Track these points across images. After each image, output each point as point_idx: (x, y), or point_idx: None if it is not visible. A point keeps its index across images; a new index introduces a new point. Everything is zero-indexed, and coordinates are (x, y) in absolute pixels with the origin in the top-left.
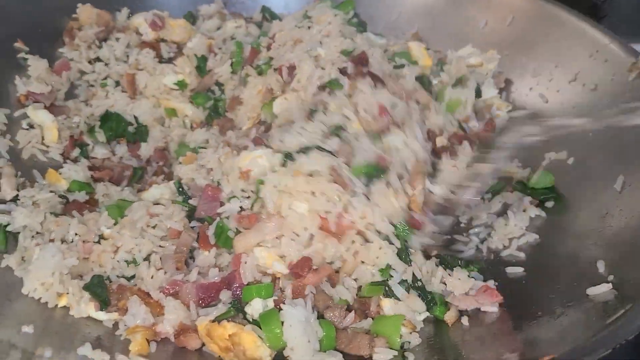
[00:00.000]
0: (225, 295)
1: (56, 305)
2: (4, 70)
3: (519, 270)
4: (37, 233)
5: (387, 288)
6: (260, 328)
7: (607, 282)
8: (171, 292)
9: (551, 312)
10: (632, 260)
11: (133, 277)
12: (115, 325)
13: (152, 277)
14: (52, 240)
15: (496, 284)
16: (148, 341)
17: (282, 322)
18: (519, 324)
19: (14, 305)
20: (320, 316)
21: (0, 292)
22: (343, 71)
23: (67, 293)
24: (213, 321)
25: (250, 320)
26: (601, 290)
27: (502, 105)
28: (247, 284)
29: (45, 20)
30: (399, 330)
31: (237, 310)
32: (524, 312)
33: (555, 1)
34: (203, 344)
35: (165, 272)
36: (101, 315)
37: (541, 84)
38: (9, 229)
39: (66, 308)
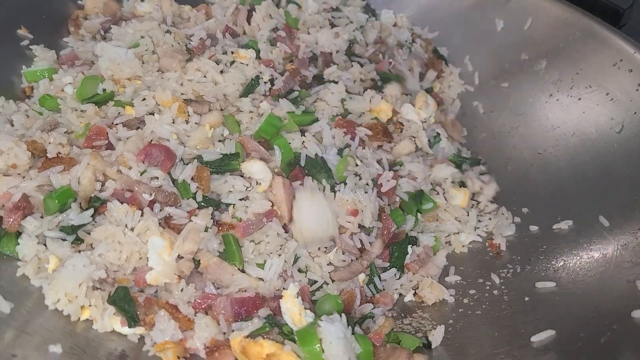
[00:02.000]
0: (263, 311)
1: (78, 319)
2: (8, 59)
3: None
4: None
5: None
6: (295, 342)
7: None
8: (203, 306)
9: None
10: None
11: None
12: (141, 339)
13: (181, 290)
14: (80, 252)
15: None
16: (178, 358)
17: (321, 339)
18: None
19: (37, 320)
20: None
21: (20, 304)
22: None
23: (90, 305)
24: (247, 337)
25: (286, 333)
26: None
27: None
28: None
29: (49, 5)
30: None
31: (272, 325)
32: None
33: (578, 7)
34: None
35: (195, 286)
36: (126, 330)
37: (562, 91)
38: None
39: (88, 321)
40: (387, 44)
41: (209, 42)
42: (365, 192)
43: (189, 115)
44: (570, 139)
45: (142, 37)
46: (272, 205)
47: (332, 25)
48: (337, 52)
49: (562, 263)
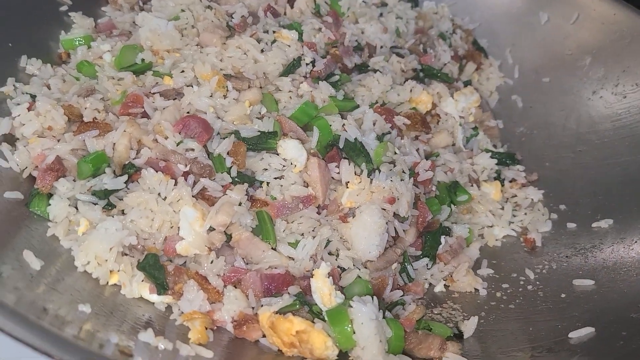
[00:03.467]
0: (293, 289)
1: (107, 283)
2: (46, 24)
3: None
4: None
5: None
6: (324, 322)
7: None
8: (232, 280)
9: None
10: None
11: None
12: (168, 308)
13: (211, 262)
14: (111, 217)
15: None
16: (205, 329)
17: (352, 320)
18: None
19: (66, 280)
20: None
21: (50, 263)
22: None
23: (119, 271)
24: (276, 312)
25: (316, 312)
26: None
27: None
28: None
29: None
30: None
31: (302, 303)
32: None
33: (626, 2)
34: (262, 335)
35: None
36: (153, 297)
37: (606, 88)
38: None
39: (116, 286)
40: (428, 34)
41: (250, 20)
42: (402, 180)
43: (227, 90)
44: (613, 138)
45: (183, 10)
46: (307, 187)
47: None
48: (382, 47)
49: (601, 261)
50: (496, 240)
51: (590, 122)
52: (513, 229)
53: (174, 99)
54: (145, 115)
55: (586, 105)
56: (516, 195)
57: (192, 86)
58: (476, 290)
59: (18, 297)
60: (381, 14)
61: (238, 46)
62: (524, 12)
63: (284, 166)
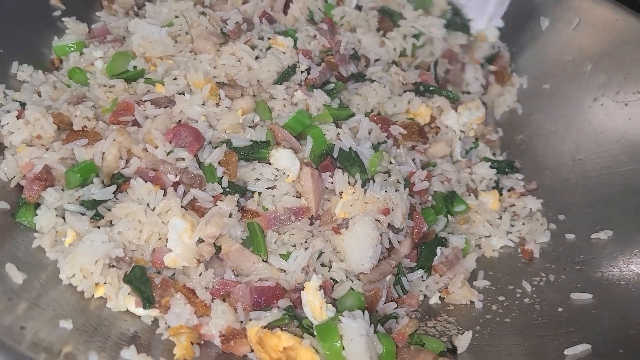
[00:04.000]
0: (283, 302)
1: (92, 296)
2: (39, 30)
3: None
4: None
5: None
6: (314, 336)
7: None
8: (221, 292)
9: None
10: None
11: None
12: (155, 322)
13: (200, 275)
14: (98, 228)
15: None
16: (192, 344)
17: (341, 336)
18: None
19: (50, 294)
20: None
21: (34, 276)
22: None
23: (105, 283)
24: (265, 327)
25: (305, 327)
26: None
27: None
28: None
29: None
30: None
31: (292, 318)
32: None
33: (628, 8)
34: (250, 350)
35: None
36: (140, 311)
37: (607, 96)
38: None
39: (102, 299)
40: (459, 60)
41: (245, 27)
42: (397, 190)
43: (220, 99)
44: (614, 146)
45: (177, 17)
46: (300, 197)
47: (380, 30)
48: (377, 60)
49: (599, 275)
50: (493, 250)
51: (590, 130)
52: (511, 239)
53: (165, 107)
54: (135, 123)
55: (587, 112)
56: (514, 205)
57: (184, 94)
58: (472, 302)
59: None
60: (384, 33)
61: (232, 53)
62: (525, 18)
63: (276, 176)
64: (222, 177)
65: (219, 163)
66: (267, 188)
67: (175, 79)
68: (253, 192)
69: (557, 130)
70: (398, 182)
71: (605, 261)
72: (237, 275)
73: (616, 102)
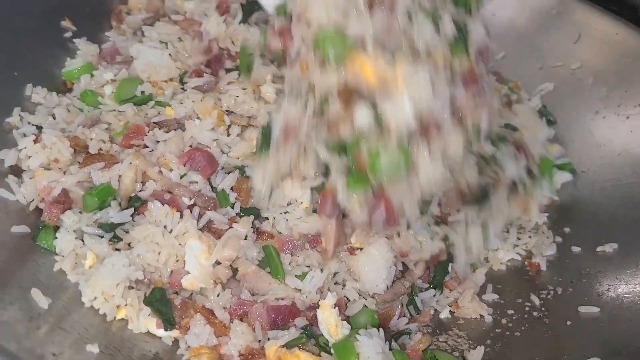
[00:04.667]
0: (299, 321)
1: (114, 318)
2: (52, 51)
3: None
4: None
5: None
6: (330, 354)
7: None
8: (239, 312)
9: None
10: None
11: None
12: (175, 342)
13: (217, 295)
14: (117, 250)
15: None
16: None
17: (358, 354)
18: None
19: (73, 317)
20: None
21: (57, 299)
22: None
23: (126, 305)
24: (283, 346)
25: (322, 344)
26: None
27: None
28: None
29: None
30: None
31: (309, 336)
32: None
33: (629, 22)
34: None
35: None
36: (160, 332)
37: (608, 109)
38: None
39: (123, 321)
40: None
41: None
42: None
43: (228, 126)
44: (616, 159)
45: (180, 39)
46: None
47: None
48: None
49: (606, 288)
50: (501, 264)
51: (593, 142)
52: (518, 253)
53: (175, 130)
54: (146, 146)
55: (589, 125)
56: (520, 218)
57: (194, 119)
58: (482, 316)
59: (23, 342)
60: None
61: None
62: (526, 31)
63: (289, 203)
64: (235, 202)
65: (232, 189)
66: (281, 213)
67: (182, 102)
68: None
69: (560, 142)
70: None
71: (612, 274)
72: (254, 295)
73: (618, 115)
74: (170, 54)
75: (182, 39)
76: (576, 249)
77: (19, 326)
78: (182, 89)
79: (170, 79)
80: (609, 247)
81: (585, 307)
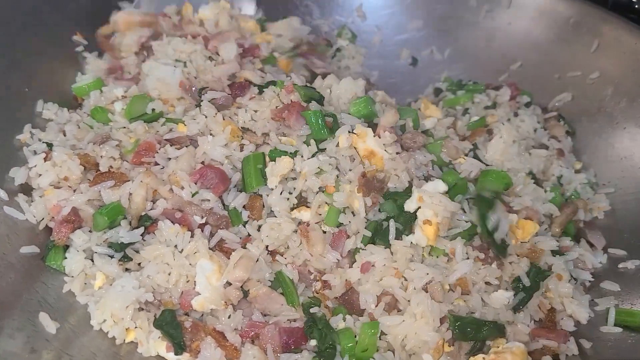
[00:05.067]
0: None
1: (123, 341)
2: (63, 65)
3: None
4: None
5: None
6: None
7: None
8: (250, 334)
9: None
10: None
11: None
12: None
13: (229, 317)
14: (127, 270)
15: None
16: None
17: None
18: None
19: (81, 340)
20: None
21: (65, 322)
22: None
23: (135, 328)
24: None
25: None
26: None
27: None
28: None
29: (106, 12)
30: None
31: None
32: None
33: None
34: None
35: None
36: (170, 356)
37: (629, 120)
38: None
39: (132, 344)
40: None
41: None
42: None
43: (242, 144)
44: (638, 172)
45: (178, 60)
46: None
47: None
48: None
49: (629, 306)
50: None
51: (614, 154)
52: None
53: (187, 146)
54: (157, 163)
55: (609, 136)
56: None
57: (207, 135)
58: None
59: None
60: None
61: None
62: (543, 40)
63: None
64: (247, 221)
65: (244, 207)
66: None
67: (194, 118)
68: None
69: (579, 154)
70: None
71: (635, 292)
72: (265, 316)
73: (638, 126)
74: (182, 71)
75: (204, 55)
76: (598, 265)
77: (26, 356)
78: (197, 105)
79: (182, 97)
80: (631, 264)
81: (607, 328)
